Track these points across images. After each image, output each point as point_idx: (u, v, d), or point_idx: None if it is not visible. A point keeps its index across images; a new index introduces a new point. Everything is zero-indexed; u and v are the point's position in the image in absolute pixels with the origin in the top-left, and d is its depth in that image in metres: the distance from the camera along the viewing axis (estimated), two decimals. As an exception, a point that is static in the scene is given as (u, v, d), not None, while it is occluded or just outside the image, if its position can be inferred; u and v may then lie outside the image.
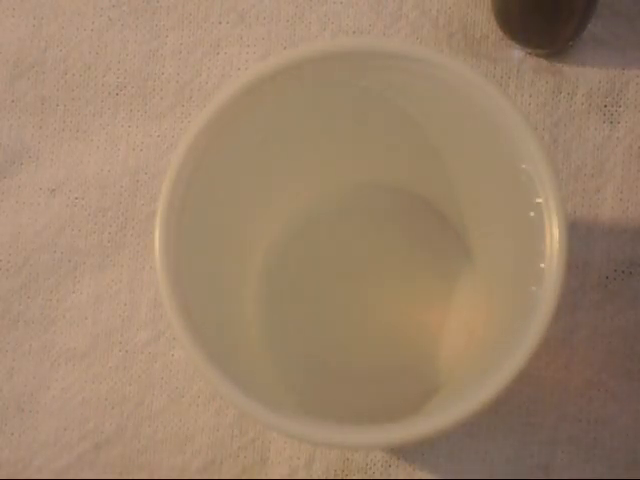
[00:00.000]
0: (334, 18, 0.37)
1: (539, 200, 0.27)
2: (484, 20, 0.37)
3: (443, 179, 0.33)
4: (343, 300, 0.35)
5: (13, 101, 0.38)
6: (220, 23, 0.37)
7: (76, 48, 0.38)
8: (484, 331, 0.33)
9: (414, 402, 0.32)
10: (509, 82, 0.37)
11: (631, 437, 0.35)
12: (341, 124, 0.31)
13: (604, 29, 0.36)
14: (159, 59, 0.38)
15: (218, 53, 0.37)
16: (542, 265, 0.27)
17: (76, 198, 0.37)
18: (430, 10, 0.37)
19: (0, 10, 0.38)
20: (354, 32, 0.37)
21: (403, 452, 0.35)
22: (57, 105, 0.38)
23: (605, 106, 0.36)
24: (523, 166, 0.28)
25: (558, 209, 0.27)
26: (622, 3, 0.36)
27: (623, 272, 0.35)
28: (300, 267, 0.35)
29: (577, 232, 0.36)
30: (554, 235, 0.27)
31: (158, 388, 0.36)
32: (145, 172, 0.37)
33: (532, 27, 0.35)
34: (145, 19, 0.38)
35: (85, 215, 0.37)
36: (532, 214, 0.28)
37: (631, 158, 0.36)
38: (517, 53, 0.37)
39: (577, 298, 0.35)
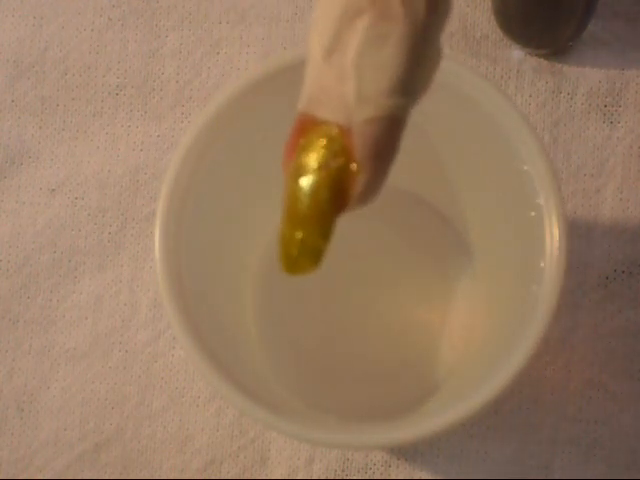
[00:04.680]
0: (334, 18, 0.37)
1: (539, 200, 0.27)
2: (484, 20, 0.37)
3: (443, 179, 0.33)
4: (343, 300, 0.35)
5: (13, 101, 0.38)
6: (220, 23, 0.38)
7: (76, 48, 0.38)
8: (484, 331, 0.33)
9: (414, 402, 0.32)
10: (509, 82, 0.37)
11: (631, 437, 0.35)
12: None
13: (604, 29, 0.36)
14: (159, 59, 0.38)
15: (218, 53, 0.37)
16: (542, 264, 0.27)
17: (76, 198, 0.37)
18: (430, 10, 0.37)
19: (0, 10, 0.38)
20: (354, 32, 0.37)
21: (403, 452, 0.35)
22: (57, 105, 0.38)
23: (605, 106, 0.36)
24: (523, 166, 0.28)
25: (558, 209, 0.27)
26: (622, 3, 0.37)
27: (623, 272, 0.35)
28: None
29: (577, 232, 0.36)
30: (554, 235, 0.27)
31: (158, 388, 0.36)
32: (145, 172, 0.37)
33: (532, 27, 0.35)
34: (145, 19, 0.38)
35: (85, 215, 0.37)
36: (532, 214, 0.28)
37: (631, 158, 0.36)
38: (517, 53, 0.37)
39: (577, 298, 0.35)
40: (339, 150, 0.22)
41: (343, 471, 0.35)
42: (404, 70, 0.22)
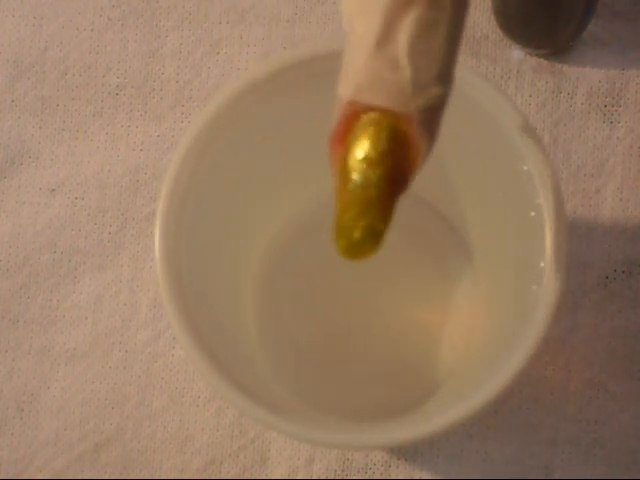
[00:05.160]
0: (334, 18, 0.37)
1: (539, 200, 0.27)
2: (484, 20, 0.37)
3: (443, 179, 0.33)
4: (343, 300, 0.35)
5: (13, 101, 0.38)
6: (220, 23, 0.38)
7: (76, 48, 0.38)
8: (484, 331, 0.33)
9: (414, 402, 0.32)
10: (509, 82, 0.37)
11: (631, 437, 0.35)
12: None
13: (604, 29, 0.36)
14: (159, 59, 0.38)
15: (218, 53, 0.37)
16: (542, 265, 0.27)
17: (76, 198, 0.37)
18: (430, 10, 0.37)
19: (0, 10, 0.38)
20: (354, 32, 0.37)
21: (403, 452, 0.35)
22: (57, 105, 0.38)
23: (605, 106, 0.36)
24: (523, 166, 0.28)
25: (558, 209, 0.27)
26: (622, 4, 0.37)
27: (623, 272, 0.35)
28: (300, 267, 0.35)
29: (577, 232, 0.36)
30: (554, 235, 0.27)
31: (158, 388, 0.36)
32: (145, 172, 0.37)
33: (532, 27, 0.35)
34: (145, 19, 0.38)
35: (85, 215, 0.37)
36: (532, 214, 0.28)
37: (631, 158, 0.36)
38: (517, 53, 0.37)
39: (577, 298, 0.35)
40: (396, 135, 0.23)
41: (343, 471, 0.35)
42: (452, 56, 0.23)
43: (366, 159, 0.23)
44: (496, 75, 0.37)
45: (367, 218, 0.23)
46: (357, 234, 0.23)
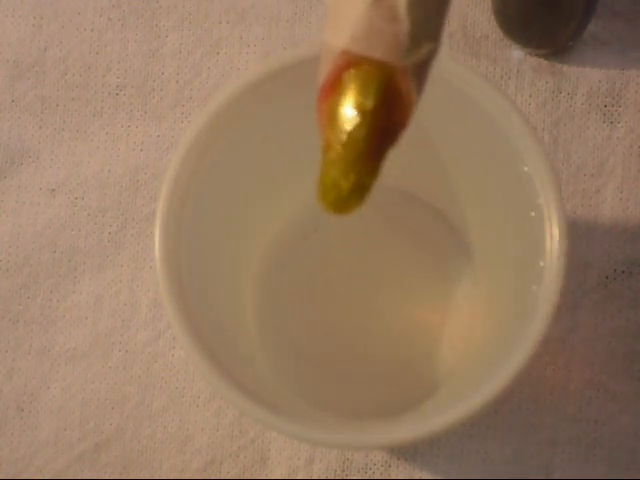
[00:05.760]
0: (334, 18, 0.37)
1: (539, 200, 0.27)
2: (484, 20, 0.37)
3: (443, 179, 0.33)
4: (343, 300, 0.35)
5: (13, 101, 0.38)
6: (220, 23, 0.38)
7: (76, 48, 0.38)
8: (484, 331, 0.33)
9: (414, 402, 0.32)
10: (509, 82, 0.37)
11: (631, 437, 0.35)
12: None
13: (604, 29, 0.36)
14: (159, 59, 0.38)
15: (218, 53, 0.37)
16: (542, 264, 0.27)
17: (76, 198, 0.37)
18: (430, 10, 0.37)
19: (0, 10, 0.38)
20: (354, 32, 0.37)
21: (403, 452, 0.35)
22: (57, 105, 0.38)
23: (605, 106, 0.36)
24: (523, 166, 0.28)
25: (558, 209, 0.27)
26: (622, 4, 0.37)
27: (623, 272, 0.35)
28: (299, 267, 0.35)
29: (577, 232, 0.36)
30: (554, 235, 0.27)
31: (158, 388, 0.36)
32: (145, 172, 0.37)
33: (532, 27, 0.35)
34: (145, 19, 0.38)
35: (85, 215, 0.37)
36: (532, 214, 0.28)
37: (631, 158, 0.36)
38: (517, 53, 0.37)
39: (577, 298, 0.35)
40: (388, 88, 0.22)
41: (343, 471, 0.35)
42: (444, 13, 0.23)
43: (357, 111, 0.22)
44: (496, 75, 0.37)
45: (355, 173, 0.23)
46: (345, 189, 0.23)
